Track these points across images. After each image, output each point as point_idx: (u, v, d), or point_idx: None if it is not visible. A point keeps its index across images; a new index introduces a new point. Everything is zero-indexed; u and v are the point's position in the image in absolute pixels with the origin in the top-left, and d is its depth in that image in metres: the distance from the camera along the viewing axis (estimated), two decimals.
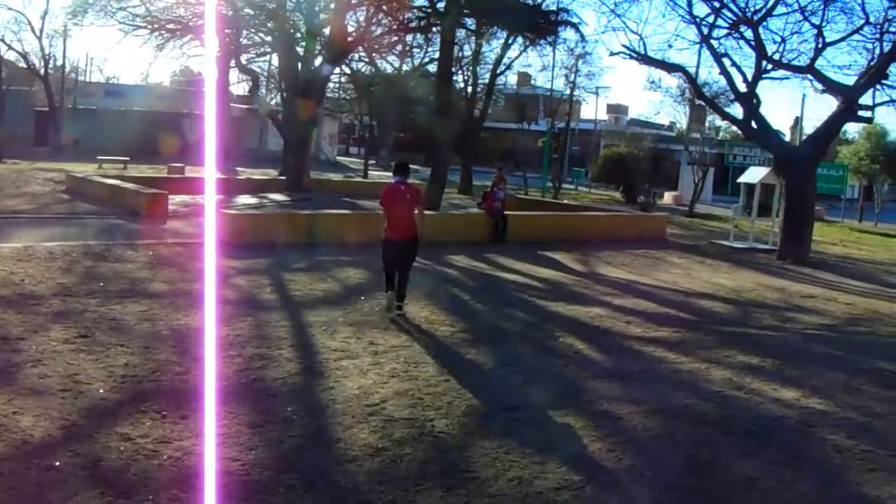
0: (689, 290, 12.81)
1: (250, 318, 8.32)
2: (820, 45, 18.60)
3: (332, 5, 24.66)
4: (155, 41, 27.84)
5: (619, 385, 7.06)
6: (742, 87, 19.34)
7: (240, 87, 44.96)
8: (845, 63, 40.20)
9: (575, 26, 24.69)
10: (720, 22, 19.39)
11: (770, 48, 19.31)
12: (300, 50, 26.50)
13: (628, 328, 9.46)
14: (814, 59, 18.67)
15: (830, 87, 18.55)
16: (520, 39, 31.83)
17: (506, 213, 17.51)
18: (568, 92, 41.79)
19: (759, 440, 5.95)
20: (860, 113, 18.47)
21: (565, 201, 28.69)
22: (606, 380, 7.20)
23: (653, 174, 33.70)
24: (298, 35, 26.71)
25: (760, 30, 18.96)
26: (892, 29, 18.05)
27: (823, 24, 18.65)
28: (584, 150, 55.22)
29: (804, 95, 58.09)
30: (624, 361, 7.92)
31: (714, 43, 19.59)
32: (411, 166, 9.80)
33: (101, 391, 5.88)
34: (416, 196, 9.04)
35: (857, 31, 18.52)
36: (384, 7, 23.48)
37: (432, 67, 37.45)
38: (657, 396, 6.80)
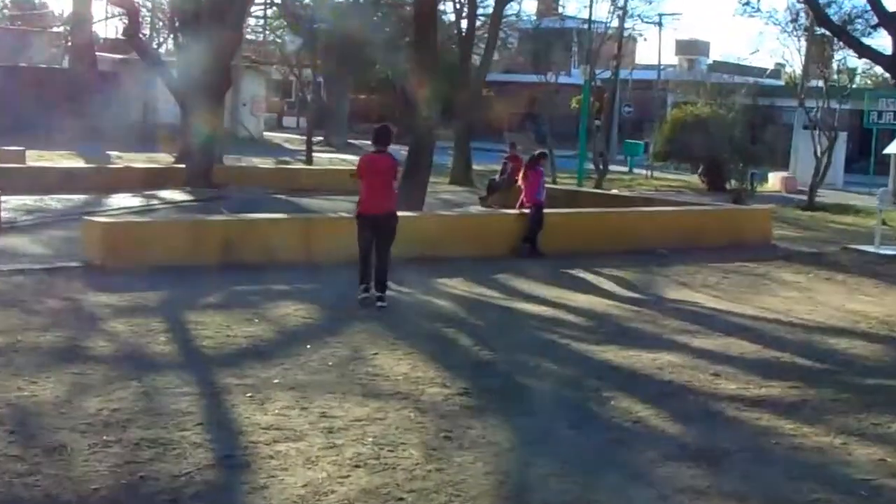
0: (812, 322, 12.82)
1: (135, 384, 8.38)
2: None
3: None
4: None
5: (707, 472, 7.07)
6: (891, 5, 19.26)
7: (111, 26, 45.03)
8: None
9: None
10: None
11: None
12: None
13: (717, 383, 9.47)
14: None
15: None
16: None
17: (525, 211, 17.70)
18: (615, 24, 42.10)
19: None
20: None
21: (614, 191, 28.78)
22: (686, 463, 7.21)
23: (750, 146, 33.80)
24: None
25: None
26: None
27: None
28: (643, 111, 55.58)
29: None
30: (712, 435, 7.93)
31: None
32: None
33: None
34: (395, 168, 12.55)
35: None
36: None
37: None
38: (766, 489, 6.79)
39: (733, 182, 33.07)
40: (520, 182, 18.27)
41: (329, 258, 14.11)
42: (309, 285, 13.18)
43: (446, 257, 15.65)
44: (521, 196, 17.88)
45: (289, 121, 65.92)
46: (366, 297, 12.01)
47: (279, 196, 23.48)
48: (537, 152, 19.17)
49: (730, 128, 34.35)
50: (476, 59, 36.72)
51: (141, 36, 32.67)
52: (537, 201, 17.33)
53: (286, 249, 14.71)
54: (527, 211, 17.42)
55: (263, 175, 28.54)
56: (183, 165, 26.32)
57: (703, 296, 14.41)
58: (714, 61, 58.08)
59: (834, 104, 34.29)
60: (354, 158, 26.95)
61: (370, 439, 7.39)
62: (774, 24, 38.13)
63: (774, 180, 38.89)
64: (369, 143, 13.13)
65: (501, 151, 31.95)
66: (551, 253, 16.85)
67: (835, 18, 25.60)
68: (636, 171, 43.07)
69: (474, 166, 33.20)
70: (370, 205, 12.04)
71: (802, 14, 32.05)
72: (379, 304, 11.90)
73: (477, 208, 23.28)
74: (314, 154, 38.03)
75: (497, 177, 25.28)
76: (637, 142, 47.03)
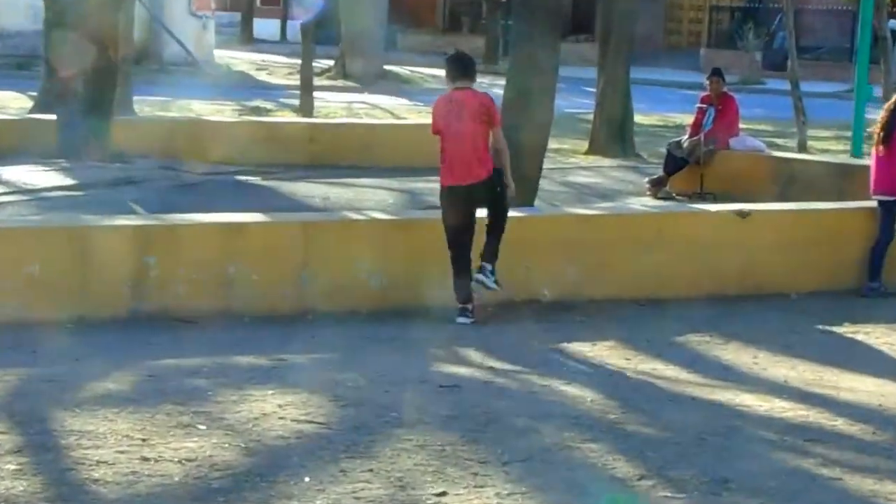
0: None
1: None
2: None
3: None
4: None
5: None
6: None
7: None
8: None
9: None
10: None
11: None
12: None
13: None
14: None
15: None
16: None
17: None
18: None
19: None
20: None
21: None
22: None
23: None
24: None
25: None
26: None
27: None
28: None
29: None
30: None
31: None
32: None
33: None
34: (490, 109, 10.29)
35: None
36: None
37: None
38: None
39: None
40: (878, 146, 12.29)
41: (347, 301, 10.39)
42: (307, 355, 9.40)
43: (581, 300, 11.34)
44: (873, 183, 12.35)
45: (265, 27, 45.81)
46: (467, 324, 10.16)
47: (247, 178, 16.99)
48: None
49: None
50: None
51: None
52: None
53: (261, 285, 10.22)
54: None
55: (213, 137, 19.33)
56: (52, 117, 18.58)
57: None
58: None
59: None
60: (400, 103, 23.54)
61: None
62: None
63: None
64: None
65: (692, 88, 24.75)
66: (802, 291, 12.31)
67: None
68: None
69: (637, 118, 22.79)
70: (456, 171, 10.22)
71: None
72: (479, 276, 9.94)
73: (646, 201, 16.04)
74: (317, 94, 25.78)
75: (684, 138, 16.73)
76: None
